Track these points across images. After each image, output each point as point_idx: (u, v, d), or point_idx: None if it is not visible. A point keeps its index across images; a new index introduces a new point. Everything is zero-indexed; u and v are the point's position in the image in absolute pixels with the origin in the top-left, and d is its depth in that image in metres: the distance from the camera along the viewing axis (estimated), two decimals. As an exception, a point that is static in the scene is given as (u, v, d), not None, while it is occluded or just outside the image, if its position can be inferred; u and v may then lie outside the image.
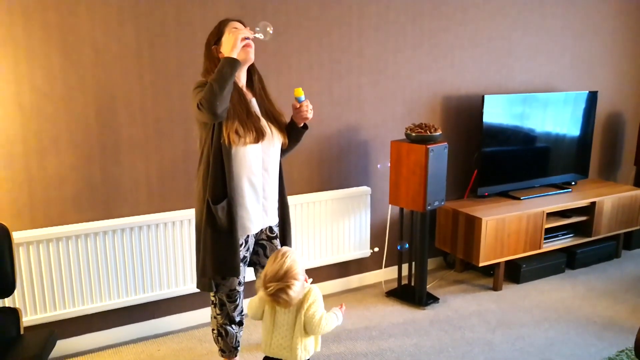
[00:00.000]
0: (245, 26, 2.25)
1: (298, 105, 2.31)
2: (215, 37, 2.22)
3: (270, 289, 1.89)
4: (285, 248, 2.03)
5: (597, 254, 4.09)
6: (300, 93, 2.29)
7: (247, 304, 2.14)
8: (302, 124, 2.38)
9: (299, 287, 1.93)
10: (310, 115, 2.33)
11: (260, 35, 2.17)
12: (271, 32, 2.19)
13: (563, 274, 3.91)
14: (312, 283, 2.05)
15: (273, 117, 2.32)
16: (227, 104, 2.08)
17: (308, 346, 2.02)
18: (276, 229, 2.44)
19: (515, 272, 3.74)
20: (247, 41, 2.15)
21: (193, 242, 2.97)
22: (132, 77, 2.77)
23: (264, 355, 2.08)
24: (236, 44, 2.10)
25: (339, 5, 3.25)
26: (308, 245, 3.35)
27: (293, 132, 2.39)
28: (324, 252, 3.43)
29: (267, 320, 2.03)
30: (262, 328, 2.07)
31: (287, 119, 2.41)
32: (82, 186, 2.75)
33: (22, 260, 2.61)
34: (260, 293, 1.99)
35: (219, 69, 2.05)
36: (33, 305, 2.67)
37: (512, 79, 4.05)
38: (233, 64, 2.07)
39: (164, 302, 3.04)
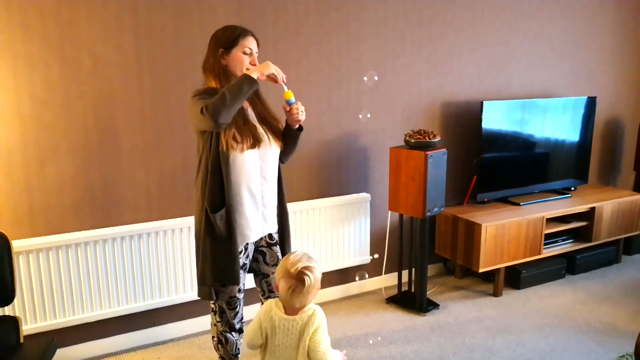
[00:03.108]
0: (257, 41, 2.25)
1: (288, 108, 2.30)
2: (228, 42, 2.18)
3: (296, 267, 1.85)
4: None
5: (597, 260, 4.09)
6: (289, 96, 2.27)
7: (247, 311, 2.12)
8: (296, 127, 2.38)
9: (318, 275, 1.89)
10: (302, 117, 2.31)
11: (285, 87, 2.21)
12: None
13: (563, 279, 3.91)
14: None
15: (269, 124, 2.32)
16: (230, 118, 2.07)
17: None
18: (276, 236, 2.44)
19: (515, 278, 3.74)
20: (270, 77, 2.18)
21: (193, 250, 2.97)
22: (131, 86, 2.78)
23: None
24: (266, 70, 2.13)
25: (338, 13, 3.26)
26: (308, 252, 3.34)
27: (289, 135, 2.38)
28: (324, 259, 3.43)
29: (267, 342, 1.95)
30: (261, 350, 1.99)
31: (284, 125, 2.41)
32: (82, 194, 2.75)
33: (22, 269, 2.61)
34: (261, 313, 1.93)
35: (239, 83, 2.06)
36: (33, 313, 2.67)
37: (510, 84, 4.06)
38: (253, 84, 2.09)
39: (164, 309, 3.04)
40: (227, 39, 2.19)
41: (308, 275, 1.85)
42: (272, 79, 2.19)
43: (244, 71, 2.16)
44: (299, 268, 1.86)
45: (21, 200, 2.63)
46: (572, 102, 4.13)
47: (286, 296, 1.88)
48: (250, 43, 2.21)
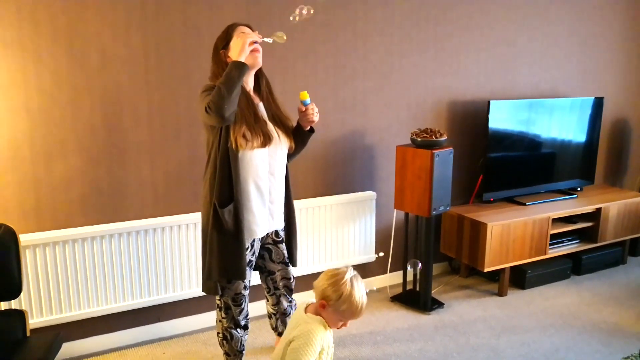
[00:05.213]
0: (253, 30, 2.26)
1: (304, 109, 2.32)
2: (223, 41, 2.23)
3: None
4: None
5: (602, 260, 4.07)
6: (305, 96, 2.29)
7: (252, 308, 2.13)
8: (308, 128, 2.39)
9: (321, 283, 1.89)
10: (316, 118, 2.34)
11: (269, 40, 2.19)
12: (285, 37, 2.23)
13: (568, 279, 3.89)
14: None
15: (280, 122, 2.33)
16: (235, 107, 2.09)
17: None
18: (282, 233, 2.45)
19: (520, 278, 3.73)
20: (255, 45, 2.16)
21: (199, 246, 2.97)
22: (139, 81, 2.78)
23: None
24: (244, 47, 2.11)
25: (345, 11, 3.26)
26: (313, 249, 3.35)
27: (299, 135, 2.40)
28: (329, 257, 3.43)
29: None
30: None
31: (294, 123, 2.42)
32: (89, 189, 2.76)
33: (29, 263, 2.62)
34: None
35: (227, 72, 2.06)
36: (39, 307, 2.68)
37: (517, 84, 4.05)
38: (241, 67, 2.08)
39: (169, 305, 3.05)
40: (222, 38, 2.24)
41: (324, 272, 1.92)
42: (257, 49, 2.17)
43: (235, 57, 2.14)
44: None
45: (28, 195, 2.64)
46: (579, 103, 4.12)
47: None
48: (243, 29, 2.23)
